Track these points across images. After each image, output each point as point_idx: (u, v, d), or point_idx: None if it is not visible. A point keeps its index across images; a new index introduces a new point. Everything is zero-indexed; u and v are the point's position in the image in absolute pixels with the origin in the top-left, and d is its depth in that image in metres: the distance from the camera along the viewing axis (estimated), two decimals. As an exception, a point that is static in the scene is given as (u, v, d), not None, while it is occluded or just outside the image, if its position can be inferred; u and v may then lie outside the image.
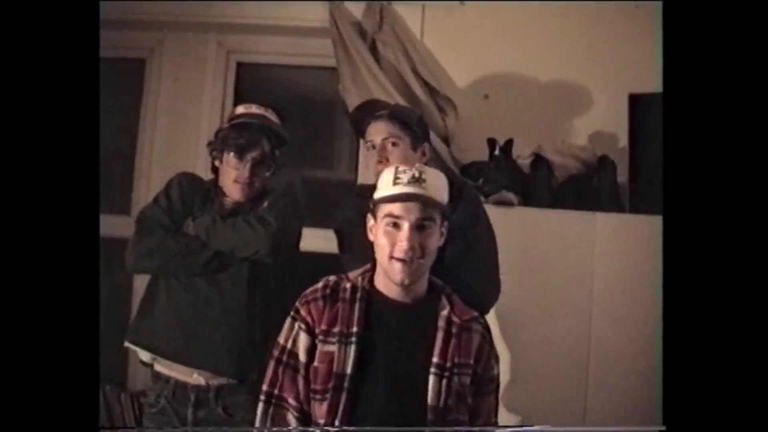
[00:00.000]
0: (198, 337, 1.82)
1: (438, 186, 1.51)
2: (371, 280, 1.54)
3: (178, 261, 1.82)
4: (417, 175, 1.47)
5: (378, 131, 1.86)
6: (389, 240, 1.47)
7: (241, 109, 1.95)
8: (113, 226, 2.47)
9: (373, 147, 1.86)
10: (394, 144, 1.84)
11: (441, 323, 1.50)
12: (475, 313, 1.56)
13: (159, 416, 1.85)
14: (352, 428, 1.44)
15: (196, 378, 1.84)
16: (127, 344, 1.90)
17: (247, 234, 1.81)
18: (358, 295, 1.51)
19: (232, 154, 1.88)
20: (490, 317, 1.92)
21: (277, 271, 1.87)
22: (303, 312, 1.51)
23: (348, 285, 1.52)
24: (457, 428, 1.49)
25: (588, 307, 2.24)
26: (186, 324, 1.83)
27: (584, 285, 2.25)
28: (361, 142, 2.60)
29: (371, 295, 1.52)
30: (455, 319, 1.51)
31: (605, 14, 2.58)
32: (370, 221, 1.53)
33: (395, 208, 1.47)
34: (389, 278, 1.49)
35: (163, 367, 1.88)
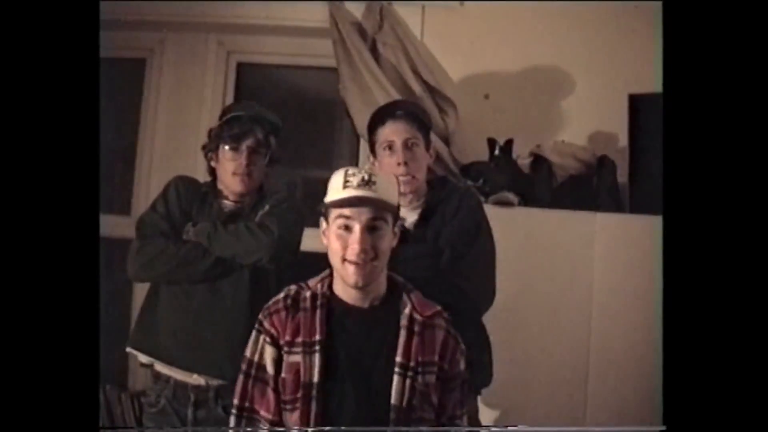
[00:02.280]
0: (200, 343, 1.82)
1: (388, 188, 1.50)
2: (330, 286, 1.52)
3: (180, 269, 1.82)
4: (367, 177, 1.46)
5: (397, 131, 1.82)
6: (341, 243, 1.46)
7: (229, 107, 1.97)
8: (113, 226, 2.48)
9: (389, 148, 1.82)
10: (414, 144, 1.82)
11: (403, 322, 1.49)
12: (438, 308, 1.54)
13: (159, 416, 1.85)
14: (340, 429, 1.44)
15: (196, 378, 1.84)
16: (129, 350, 1.90)
17: (249, 241, 1.81)
18: (318, 302, 1.50)
19: (227, 147, 1.88)
20: (490, 317, 1.93)
21: (278, 275, 1.86)
22: (267, 324, 1.50)
23: (308, 293, 1.51)
24: (458, 428, 1.50)
25: (588, 307, 2.24)
26: (188, 330, 1.83)
27: (584, 285, 2.25)
28: (362, 141, 2.64)
29: (331, 301, 1.50)
30: (417, 316, 1.50)
31: (605, 14, 2.57)
32: (323, 225, 1.52)
33: (346, 211, 1.46)
34: (344, 281, 1.48)
35: (163, 367, 1.87)
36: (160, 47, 2.86)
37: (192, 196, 1.91)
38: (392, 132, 1.83)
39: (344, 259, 1.45)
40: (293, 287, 1.54)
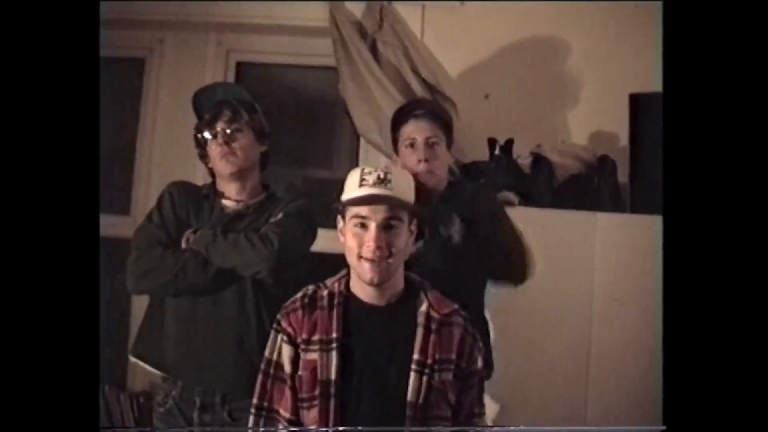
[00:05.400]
0: (207, 357, 1.80)
1: (404, 186, 1.51)
2: (347, 285, 1.54)
3: (179, 280, 1.78)
4: (382, 176, 1.48)
5: (419, 130, 1.87)
6: (357, 241, 1.47)
7: (195, 97, 1.96)
8: (113, 226, 2.47)
9: (411, 146, 1.86)
10: (435, 143, 1.86)
11: (420, 320, 1.51)
12: (456, 306, 1.55)
13: (166, 416, 1.84)
14: (352, 428, 1.44)
15: (202, 381, 1.83)
16: (133, 359, 1.89)
17: (248, 253, 1.77)
18: (335, 301, 1.51)
19: (208, 137, 1.87)
20: (490, 316, 1.93)
21: (283, 286, 1.80)
22: (284, 323, 1.52)
23: (325, 292, 1.53)
24: (461, 428, 1.50)
25: (588, 307, 2.24)
26: (194, 344, 1.80)
27: (584, 285, 2.25)
28: (362, 141, 2.64)
29: (348, 300, 1.52)
30: (434, 314, 1.51)
31: (605, 14, 2.57)
32: (340, 223, 1.53)
33: (362, 209, 1.47)
34: (360, 279, 1.49)
35: (169, 371, 1.86)
36: (159, 47, 2.86)
37: (187, 203, 1.88)
38: (414, 130, 1.87)
39: (360, 257, 1.47)
40: (311, 287, 1.56)
